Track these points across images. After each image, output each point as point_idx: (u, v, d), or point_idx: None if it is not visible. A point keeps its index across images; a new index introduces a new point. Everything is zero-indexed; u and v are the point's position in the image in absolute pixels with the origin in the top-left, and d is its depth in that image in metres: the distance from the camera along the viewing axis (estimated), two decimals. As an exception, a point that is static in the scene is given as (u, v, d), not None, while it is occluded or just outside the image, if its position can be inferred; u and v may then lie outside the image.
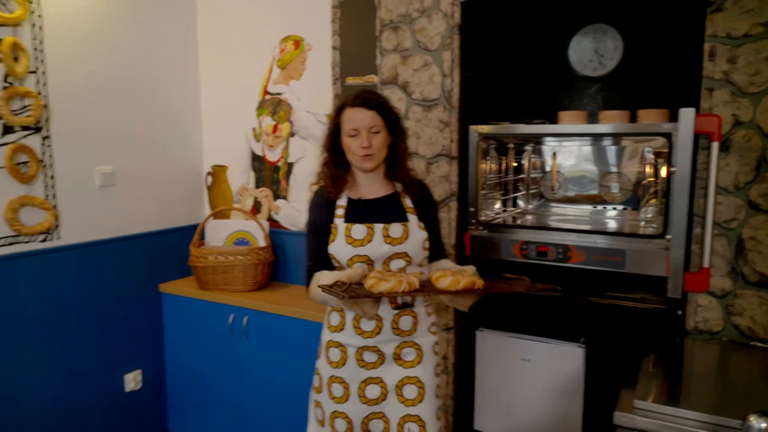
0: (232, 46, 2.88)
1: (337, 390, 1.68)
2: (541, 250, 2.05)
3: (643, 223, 2.18)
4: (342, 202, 1.70)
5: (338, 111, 1.66)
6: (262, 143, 2.85)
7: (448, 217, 2.25)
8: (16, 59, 2.16)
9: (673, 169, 1.72)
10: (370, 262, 1.63)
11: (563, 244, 2.01)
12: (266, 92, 2.80)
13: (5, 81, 2.16)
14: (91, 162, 2.50)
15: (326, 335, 1.74)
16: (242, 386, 2.60)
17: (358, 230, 1.64)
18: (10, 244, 2.21)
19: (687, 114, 1.68)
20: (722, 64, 1.77)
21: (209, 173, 3.05)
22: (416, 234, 1.66)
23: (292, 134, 2.74)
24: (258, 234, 2.78)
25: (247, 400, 2.60)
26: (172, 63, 2.86)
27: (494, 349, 2.19)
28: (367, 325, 1.64)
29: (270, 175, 2.84)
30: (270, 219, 2.87)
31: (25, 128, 2.22)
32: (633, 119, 1.93)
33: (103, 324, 2.57)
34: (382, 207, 1.69)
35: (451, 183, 2.25)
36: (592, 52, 2.23)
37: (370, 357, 1.66)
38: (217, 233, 2.85)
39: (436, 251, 1.76)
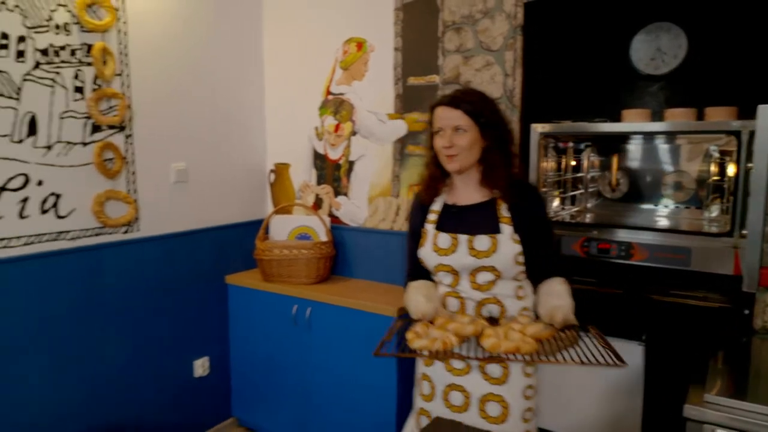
0: (296, 49, 2.99)
1: (426, 388, 1.70)
2: (603, 248, 2.07)
3: (707, 222, 2.17)
4: (436, 207, 1.67)
5: (431, 109, 1.62)
6: (324, 142, 2.95)
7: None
8: (104, 63, 2.33)
9: (750, 165, 1.72)
10: (454, 272, 1.60)
11: (626, 242, 2.02)
12: (329, 92, 2.90)
13: (94, 83, 2.33)
14: (167, 159, 2.65)
15: None
16: (306, 376, 2.69)
17: (444, 239, 1.59)
18: (97, 234, 2.38)
19: (766, 110, 1.68)
20: (795, 61, 1.77)
21: (272, 171, 3.18)
22: (507, 247, 1.55)
23: (353, 133, 2.83)
24: (320, 229, 2.88)
25: (310, 389, 2.68)
26: (239, 65, 3.00)
27: (552, 344, 2.21)
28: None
29: (331, 172, 2.95)
30: (331, 215, 2.96)
31: (111, 127, 2.39)
32: (699, 117, 1.93)
33: (175, 312, 2.72)
34: (474, 215, 1.61)
35: (511, 180, 2.29)
36: (655, 50, 2.23)
37: (457, 363, 1.63)
38: (281, 228, 2.97)
39: (542, 266, 1.62)
